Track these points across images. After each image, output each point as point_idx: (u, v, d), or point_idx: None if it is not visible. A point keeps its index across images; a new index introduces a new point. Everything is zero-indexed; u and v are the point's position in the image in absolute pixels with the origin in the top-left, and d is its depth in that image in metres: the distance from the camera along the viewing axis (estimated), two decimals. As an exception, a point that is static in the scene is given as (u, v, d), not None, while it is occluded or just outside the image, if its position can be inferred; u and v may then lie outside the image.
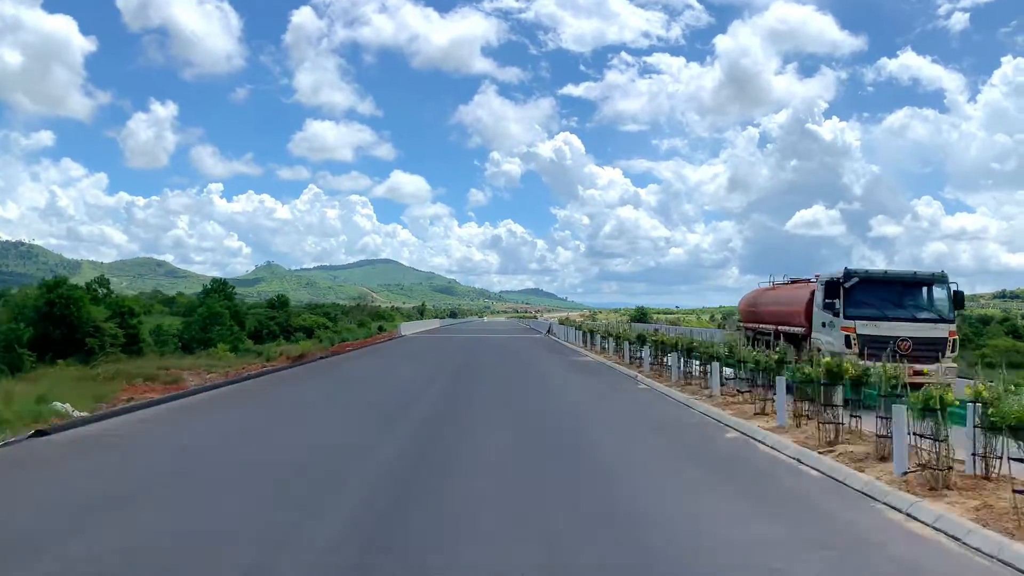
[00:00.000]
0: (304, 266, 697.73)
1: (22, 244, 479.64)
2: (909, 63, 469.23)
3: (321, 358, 36.27)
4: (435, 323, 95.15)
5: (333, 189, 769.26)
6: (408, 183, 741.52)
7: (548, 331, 58.38)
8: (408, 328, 56.25)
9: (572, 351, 35.75)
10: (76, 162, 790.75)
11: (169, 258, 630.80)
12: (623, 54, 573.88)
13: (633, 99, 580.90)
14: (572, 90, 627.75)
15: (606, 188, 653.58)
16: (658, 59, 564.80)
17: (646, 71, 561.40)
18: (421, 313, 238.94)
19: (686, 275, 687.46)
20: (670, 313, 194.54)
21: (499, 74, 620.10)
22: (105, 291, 61.81)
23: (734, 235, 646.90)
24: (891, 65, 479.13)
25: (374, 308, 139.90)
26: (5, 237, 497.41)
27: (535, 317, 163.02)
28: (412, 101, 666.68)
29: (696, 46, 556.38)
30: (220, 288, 79.74)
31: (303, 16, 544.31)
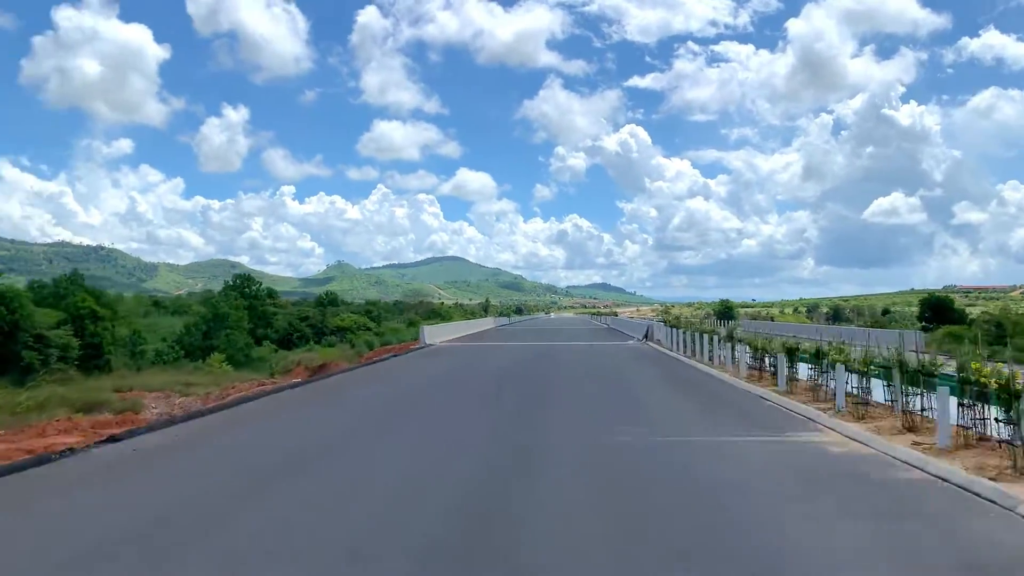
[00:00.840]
0: (374, 265, 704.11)
1: (102, 248, 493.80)
2: (992, 42, 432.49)
3: (346, 370, 24.89)
4: (486, 323, 74.16)
5: (401, 188, 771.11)
6: (474, 180, 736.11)
7: (646, 336, 37.36)
8: (439, 333, 35.20)
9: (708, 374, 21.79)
10: (154, 168, 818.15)
11: (244, 259, 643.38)
12: (689, 43, 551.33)
13: (701, 89, 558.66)
14: (638, 82, 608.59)
15: (674, 180, 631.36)
16: (726, 47, 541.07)
17: (714, 60, 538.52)
18: (485, 310, 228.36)
19: (759, 267, 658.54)
20: (747, 307, 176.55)
21: (564, 67, 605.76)
22: (77, 287, 52.27)
23: (809, 225, 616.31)
24: (973, 45, 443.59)
25: (429, 305, 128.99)
26: (86, 241, 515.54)
27: (614, 313, 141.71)
28: (477, 98, 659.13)
29: (765, 32, 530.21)
30: (243, 284, 69.96)
31: (368, 16, 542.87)
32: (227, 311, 53.17)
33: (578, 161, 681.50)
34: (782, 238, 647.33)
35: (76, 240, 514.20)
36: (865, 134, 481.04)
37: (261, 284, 71.10)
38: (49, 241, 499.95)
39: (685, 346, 27.38)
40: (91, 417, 26.35)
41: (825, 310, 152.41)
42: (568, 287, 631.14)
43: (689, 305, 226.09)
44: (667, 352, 29.61)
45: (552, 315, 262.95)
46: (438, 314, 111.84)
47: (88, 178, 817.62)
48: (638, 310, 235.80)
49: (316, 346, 61.58)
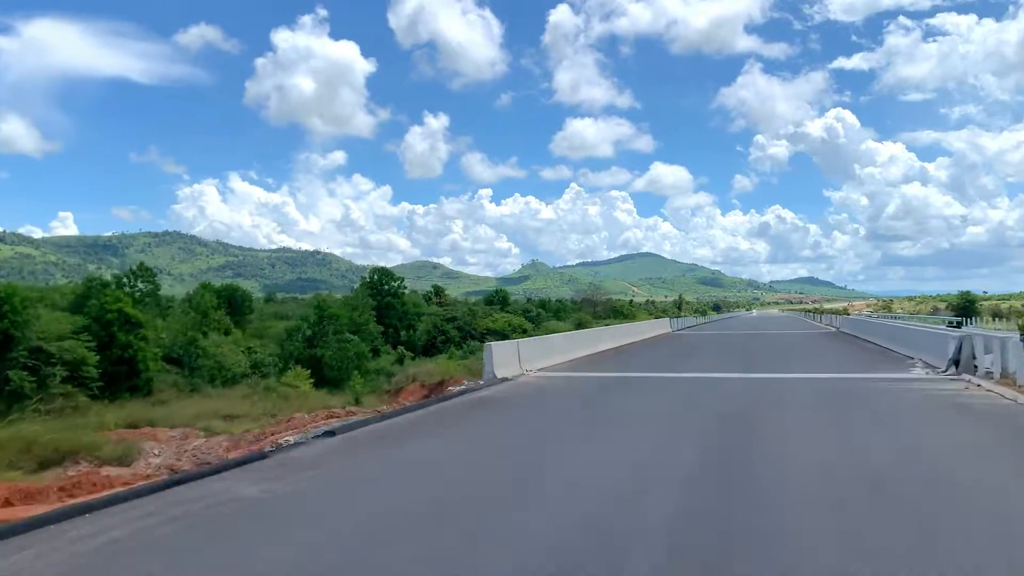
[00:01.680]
0: (567, 263, 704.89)
1: (318, 253, 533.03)
2: None
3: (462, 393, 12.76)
4: (656, 327, 45.35)
5: (593, 186, 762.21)
6: (668, 174, 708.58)
7: (959, 362, 16.43)
8: (539, 354, 18.59)
9: None
10: (365, 177, 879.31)
11: (447, 261, 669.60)
12: (901, 18, 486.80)
13: (915, 66, 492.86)
14: (844, 63, 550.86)
15: (887, 165, 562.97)
16: (943, 19, 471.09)
17: (929, 34, 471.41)
18: (679, 307, 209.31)
19: (987, 256, 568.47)
20: (986, 300, 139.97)
21: (764, 51, 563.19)
22: (150, 285, 44.37)
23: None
24: None
25: (610, 303, 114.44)
26: (305, 247, 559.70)
27: (844, 312, 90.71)
28: (671, 89, 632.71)
29: (990, 0, 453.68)
30: (380, 280, 60.50)
31: (560, 14, 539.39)
32: (337, 312, 43.07)
33: (779, 149, 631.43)
34: (1014, 224, 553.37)
35: (296, 246, 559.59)
36: None
37: (402, 280, 61.35)
38: (273, 247, 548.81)
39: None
40: (28, 481, 16.28)
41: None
42: (771, 282, 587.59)
43: (910, 299, 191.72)
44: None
45: (755, 312, 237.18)
46: (620, 312, 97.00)
47: (307, 188, 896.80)
48: (851, 305, 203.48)
49: (456, 351, 50.41)
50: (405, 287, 62.21)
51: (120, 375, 29.08)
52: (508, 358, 16.00)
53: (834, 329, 47.48)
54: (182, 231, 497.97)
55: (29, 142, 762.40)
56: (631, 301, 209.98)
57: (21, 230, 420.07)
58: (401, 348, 53.35)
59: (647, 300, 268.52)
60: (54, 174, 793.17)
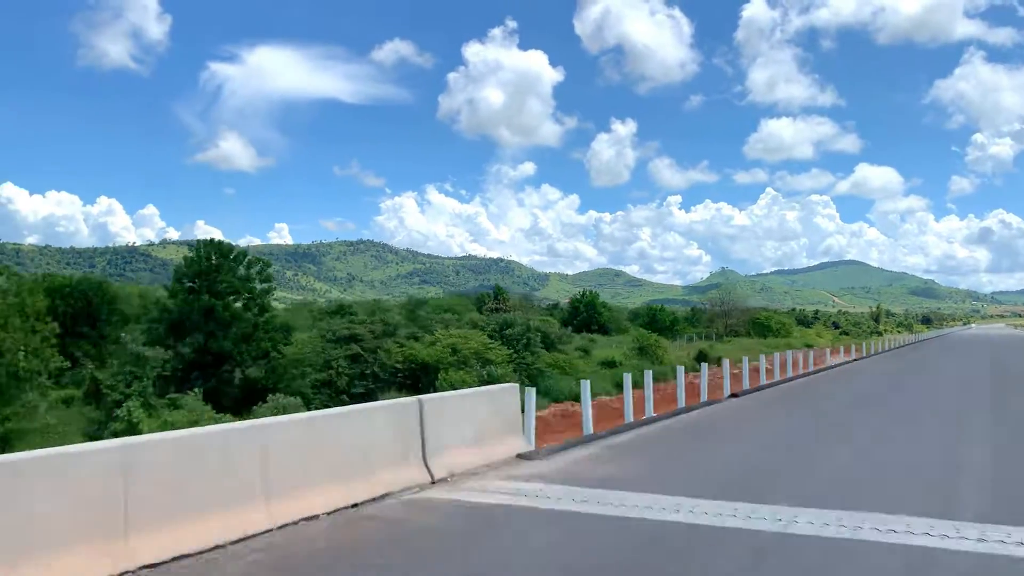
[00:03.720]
0: (761, 271, 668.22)
1: (502, 261, 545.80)
2: None
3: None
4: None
5: (792, 190, 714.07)
6: (875, 176, 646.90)
7: None
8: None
9: None
10: (553, 187, 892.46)
11: (634, 268, 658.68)
12: None
13: None
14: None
15: None
16: None
17: None
18: (876, 320, 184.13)
19: None
20: None
21: (988, 37, 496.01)
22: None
23: None
24: None
25: (747, 312, 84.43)
26: (489, 254, 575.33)
27: None
28: (878, 84, 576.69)
29: None
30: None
31: (754, 9, 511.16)
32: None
33: (1003, 148, 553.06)
34: None
35: (481, 254, 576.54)
36: None
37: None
38: (459, 255, 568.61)
39: None
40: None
41: None
42: (993, 292, 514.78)
43: None
44: None
45: (973, 327, 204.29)
46: (765, 327, 77.70)
47: (498, 199, 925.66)
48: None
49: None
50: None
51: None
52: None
53: None
54: (375, 240, 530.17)
55: (245, 159, 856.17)
56: (773, 312, 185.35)
57: (242, 241, 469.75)
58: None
59: (838, 311, 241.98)
60: (269, 188, 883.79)
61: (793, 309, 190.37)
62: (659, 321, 71.17)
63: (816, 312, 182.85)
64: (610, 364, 39.57)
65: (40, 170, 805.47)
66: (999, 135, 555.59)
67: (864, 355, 43.11)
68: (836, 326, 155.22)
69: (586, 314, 74.88)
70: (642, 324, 68.40)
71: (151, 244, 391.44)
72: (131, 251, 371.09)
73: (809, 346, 52.77)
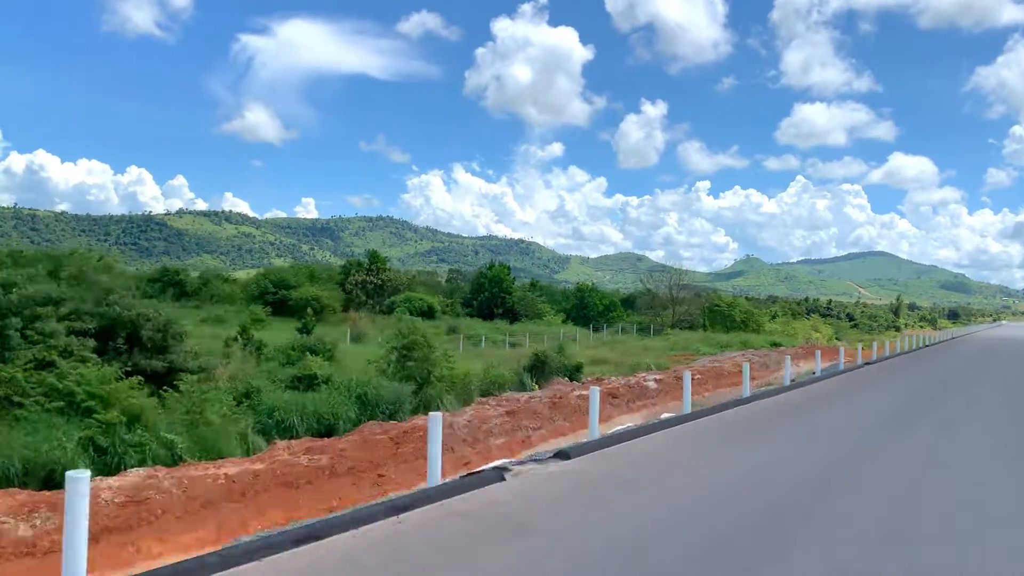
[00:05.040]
0: (788, 260, 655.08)
1: (523, 242, 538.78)
2: None
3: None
4: None
5: (823, 178, 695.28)
6: (910, 166, 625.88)
7: None
8: None
9: None
10: (581, 169, 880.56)
11: (659, 254, 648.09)
12: None
13: None
14: None
15: None
16: None
17: None
18: (895, 313, 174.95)
19: None
20: None
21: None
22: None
23: None
24: None
25: (702, 301, 71.38)
26: (510, 235, 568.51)
27: None
28: (917, 70, 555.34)
29: None
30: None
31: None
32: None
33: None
34: None
35: (502, 234, 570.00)
36: None
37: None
38: (480, 235, 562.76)
39: None
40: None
41: None
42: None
43: None
44: None
45: (1004, 323, 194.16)
46: (726, 317, 64.66)
47: (525, 180, 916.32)
48: None
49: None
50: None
51: None
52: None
53: None
54: (396, 217, 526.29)
55: (271, 131, 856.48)
56: (829, 302, 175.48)
57: (268, 215, 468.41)
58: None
59: (856, 302, 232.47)
60: (296, 162, 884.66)
61: (806, 299, 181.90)
62: (588, 306, 61.01)
63: (830, 302, 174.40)
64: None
65: (72, 137, 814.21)
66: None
67: (848, 366, 30.18)
68: (851, 318, 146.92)
69: (489, 292, 60.83)
70: (568, 309, 59.26)
71: (167, 214, 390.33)
72: (147, 220, 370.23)
73: (775, 345, 45.88)
